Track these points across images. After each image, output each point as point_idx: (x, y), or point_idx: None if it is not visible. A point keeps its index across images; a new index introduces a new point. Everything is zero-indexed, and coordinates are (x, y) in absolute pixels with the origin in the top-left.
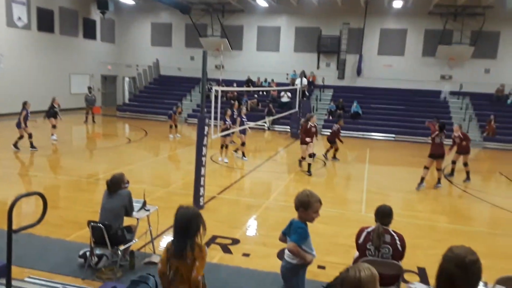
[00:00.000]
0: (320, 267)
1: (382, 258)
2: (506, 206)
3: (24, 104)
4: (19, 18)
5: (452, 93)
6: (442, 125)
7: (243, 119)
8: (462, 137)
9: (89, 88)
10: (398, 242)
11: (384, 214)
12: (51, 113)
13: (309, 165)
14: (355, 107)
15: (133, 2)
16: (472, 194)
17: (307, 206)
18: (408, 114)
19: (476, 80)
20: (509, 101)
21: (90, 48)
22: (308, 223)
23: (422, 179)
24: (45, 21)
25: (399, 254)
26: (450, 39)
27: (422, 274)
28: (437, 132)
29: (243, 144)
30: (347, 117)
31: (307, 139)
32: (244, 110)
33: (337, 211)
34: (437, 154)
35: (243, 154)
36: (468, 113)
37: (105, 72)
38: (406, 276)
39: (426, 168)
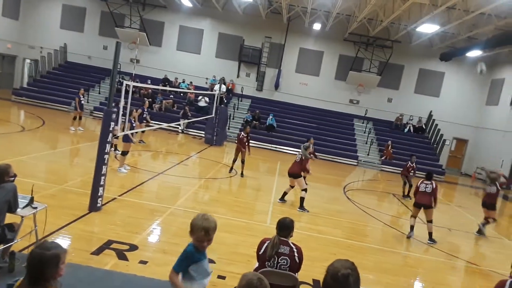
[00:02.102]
0: (220, 277)
1: (280, 269)
2: (395, 225)
3: None
4: None
5: (358, 117)
6: (429, 174)
7: (132, 124)
8: None
9: None
10: (296, 254)
11: (283, 226)
12: None
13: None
14: (270, 119)
15: None
16: (368, 213)
17: (191, 231)
18: (319, 132)
19: (379, 107)
20: (406, 130)
21: None
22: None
23: (412, 227)
24: None
25: (296, 266)
26: (360, 66)
27: (316, 286)
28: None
29: (124, 153)
30: (262, 129)
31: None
32: (134, 113)
33: (243, 220)
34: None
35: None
36: (370, 137)
37: (3, 50)
38: (302, 287)
39: (413, 217)
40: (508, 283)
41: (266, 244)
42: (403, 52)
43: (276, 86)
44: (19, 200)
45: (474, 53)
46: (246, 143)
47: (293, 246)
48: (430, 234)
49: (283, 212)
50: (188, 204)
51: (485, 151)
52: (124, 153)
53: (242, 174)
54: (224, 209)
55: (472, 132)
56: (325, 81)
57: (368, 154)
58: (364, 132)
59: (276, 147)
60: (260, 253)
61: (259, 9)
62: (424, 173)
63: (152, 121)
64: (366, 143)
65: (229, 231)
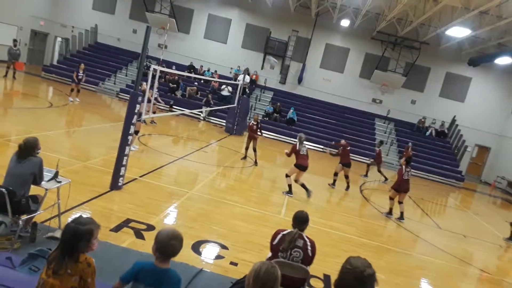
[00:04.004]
0: (232, 263)
1: (292, 261)
2: (409, 227)
3: None
4: None
5: (380, 117)
6: (408, 158)
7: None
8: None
9: (15, 40)
10: (309, 248)
11: (301, 220)
12: None
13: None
14: (291, 113)
15: None
16: (383, 213)
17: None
18: (338, 129)
19: (402, 108)
20: (427, 133)
21: None
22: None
23: (390, 210)
24: None
25: (308, 259)
26: (386, 66)
27: (326, 281)
28: (403, 167)
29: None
30: (283, 122)
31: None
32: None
33: (258, 211)
34: (403, 189)
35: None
36: (390, 137)
37: (36, 27)
38: (312, 281)
39: (391, 199)
40: (281, 234)
41: (280, 235)
42: (431, 54)
43: (300, 80)
44: (44, 173)
45: (504, 60)
46: (258, 131)
47: (307, 240)
48: (401, 213)
49: (297, 205)
50: (205, 190)
51: (507, 160)
52: (136, 132)
53: (255, 163)
54: (240, 198)
55: (495, 140)
56: (349, 78)
57: (387, 155)
58: (385, 133)
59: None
60: (274, 243)
61: (288, 2)
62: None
63: (175, 107)
64: (386, 143)
65: (244, 219)
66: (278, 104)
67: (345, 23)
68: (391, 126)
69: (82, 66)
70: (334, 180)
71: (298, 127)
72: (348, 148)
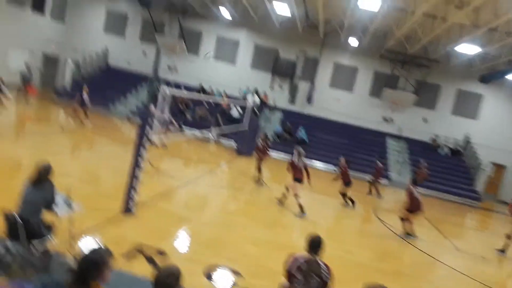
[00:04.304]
0: None
1: None
2: (425, 249)
3: None
4: None
5: (391, 136)
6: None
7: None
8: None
9: (27, 64)
10: (325, 273)
11: (315, 244)
12: None
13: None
14: (301, 133)
15: None
16: (398, 234)
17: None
18: (351, 149)
19: (414, 126)
20: (441, 152)
21: (37, 23)
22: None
23: (407, 231)
24: None
25: (325, 285)
26: (396, 84)
27: None
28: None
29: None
30: (293, 142)
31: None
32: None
33: (269, 234)
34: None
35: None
36: (403, 156)
37: (48, 50)
38: None
39: (405, 219)
40: (296, 259)
41: (295, 261)
42: (441, 72)
43: (309, 99)
44: (56, 198)
45: None
46: (265, 150)
47: (323, 265)
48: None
49: (307, 227)
50: (216, 213)
51: None
52: None
53: (260, 182)
54: (251, 221)
55: (511, 157)
56: (359, 97)
57: (400, 174)
58: (397, 151)
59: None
60: (289, 269)
61: (296, 22)
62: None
63: (184, 128)
64: (399, 162)
65: (255, 243)
66: (288, 124)
67: (353, 41)
68: (403, 145)
69: (86, 88)
70: (346, 201)
71: (309, 147)
72: (346, 166)
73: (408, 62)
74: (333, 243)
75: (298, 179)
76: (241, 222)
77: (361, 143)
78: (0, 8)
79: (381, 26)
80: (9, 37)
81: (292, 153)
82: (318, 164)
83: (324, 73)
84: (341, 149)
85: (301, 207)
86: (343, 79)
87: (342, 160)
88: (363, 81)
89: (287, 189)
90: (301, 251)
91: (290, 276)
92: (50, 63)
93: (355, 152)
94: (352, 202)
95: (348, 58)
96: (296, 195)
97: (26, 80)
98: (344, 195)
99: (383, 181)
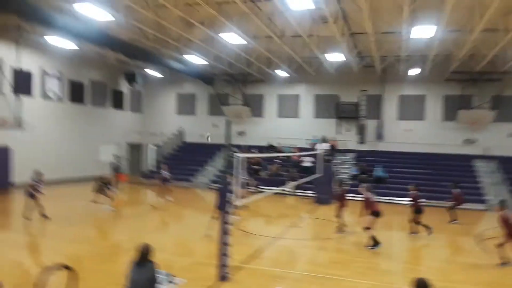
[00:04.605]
0: None
1: None
2: None
3: (40, 175)
4: (53, 91)
5: (477, 157)
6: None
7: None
8: None
9: (115, 155)
10: None
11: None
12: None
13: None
14: (379, 171)
15: (161, 76)
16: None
17: None
18: (433, 178)
19: (501, 143)
20: None
21: (119, 117)
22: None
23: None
24: (76, 93)
25: None
26: (469, 103)
27: None
28: None
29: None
30: (370, 181)
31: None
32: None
33: (369, 282)
34: None
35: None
36: (497, 176)
37: (131, 140)
38: None
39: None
40: None
41: None
42: None
43: (379, 136)
44: (159, 278)
45: None
46: (342, 197)
47: None
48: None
49: (408, 269)
50: (308, 267)
51: None
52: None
53: (343, 229)
54: (345, 271)
55: None
56: (432, 124)
57: (497, 196)
58: (489, 172)
59: (388, 199)
60: None
61: (351, 65)
62: None
63: (260, 187)
64: (493, 183)
65: None
66: (363, 164)
67: (414, 71)
68: (494, 165)
69: (165, 166)
70: (424, 227)
71: (389, 184)
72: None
73: (478, 80)
74: (442, 284)
75: (375, 213)
76: (335, 273)
77: (444, 170)
78: (87, 110)
79: (440, 50)
80: (97, 134)
81: (373, 193)
82: (400, 200)
83: (390, 107)
84: (424, 180)
85: (374, 239)
86: (411, 109)
87: (411, 187)
88: (433, 107)
89: (366, 228)
90: None
91: None
92: (135, 150)
93: (440, 181)
94: (428, 228)
95: (413, 88)
96: (367, 228)
97: (116, 170)
98: (418, 222)
99: (479, 206)
